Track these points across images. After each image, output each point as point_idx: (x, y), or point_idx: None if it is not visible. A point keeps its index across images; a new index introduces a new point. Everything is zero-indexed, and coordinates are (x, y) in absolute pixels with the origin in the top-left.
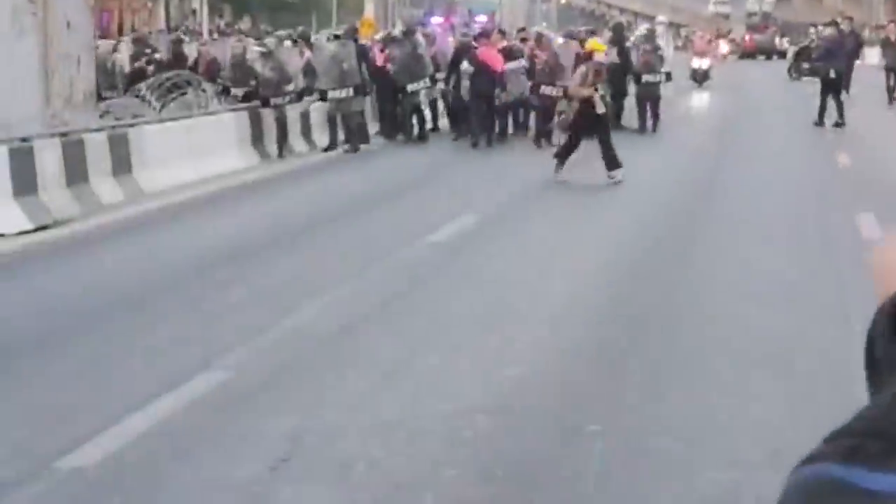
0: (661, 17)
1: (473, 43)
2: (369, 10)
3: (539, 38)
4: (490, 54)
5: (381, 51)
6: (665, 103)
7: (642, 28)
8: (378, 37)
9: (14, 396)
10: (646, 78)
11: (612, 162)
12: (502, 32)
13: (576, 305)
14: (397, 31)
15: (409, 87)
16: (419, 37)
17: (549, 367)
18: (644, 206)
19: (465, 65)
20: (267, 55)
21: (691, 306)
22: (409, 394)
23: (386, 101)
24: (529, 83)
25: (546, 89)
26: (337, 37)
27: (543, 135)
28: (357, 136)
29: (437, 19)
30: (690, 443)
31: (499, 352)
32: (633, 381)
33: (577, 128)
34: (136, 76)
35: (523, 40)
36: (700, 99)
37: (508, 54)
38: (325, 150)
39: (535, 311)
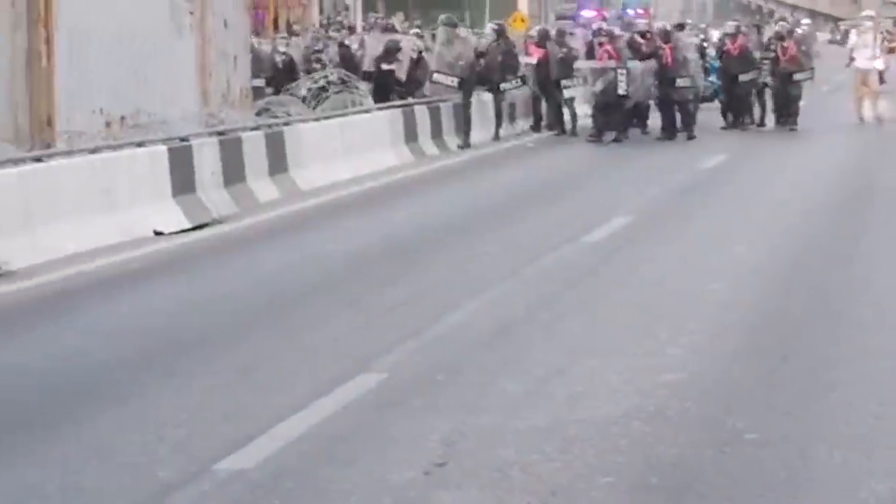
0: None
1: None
2: (522, 5)
3: (666, 33)
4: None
5: (537, 46)
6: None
7: (779, 25)
8: (532, 32)
9: (174, 396)
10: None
11: None
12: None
13: (733, 308)
14: (551, 27)
15: (563, 83)
16: (571, 35)
17: (705, 372)
18: (800, 205)
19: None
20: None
21: (851, 310)
22: (565, 399)
23: (540, 96)
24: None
25: (681, 82)
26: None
27: (683, 128)
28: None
29: (588, 13)
30: (851, 451)
31: (655, 356)
32: (792, 386)
33: None
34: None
35: (644, 36)
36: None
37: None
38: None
39: (691, 314)
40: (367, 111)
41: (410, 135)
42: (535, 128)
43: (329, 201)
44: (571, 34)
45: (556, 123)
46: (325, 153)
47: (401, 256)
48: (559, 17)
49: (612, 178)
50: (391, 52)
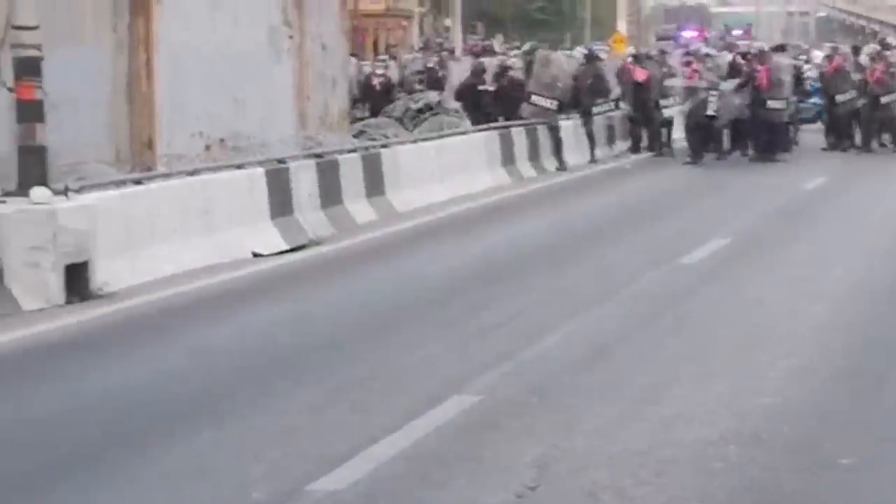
0: None
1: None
2: (622, 26)
3: (762, 54)
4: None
5: (640, 67)
6: None
7: (870, 47)
8: (630, 52)
9: (270, 416)
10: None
11: None
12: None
13: (833, 330)
14: (651, 48)
15: (662, 103)
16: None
17: (804, 396)
18: None
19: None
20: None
21: None
22: (660, 422)
23: (639, 117)
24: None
25: (773, 103)
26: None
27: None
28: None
29: (689, 34)
30: None
31: (753, 379)
32: (890, 412)
33: None
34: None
35: (745, 57)
36: None
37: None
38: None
39: (790, 336)
40: (463, 133)
41: (507, 157)
42: (634, 149)
43: (425, 223)
44: (667, 54)
45: (655, 145)
46: (421, 175)
47: (496, 278)
48: (659, 38)
49: (711, 200)
50: (478, 74)
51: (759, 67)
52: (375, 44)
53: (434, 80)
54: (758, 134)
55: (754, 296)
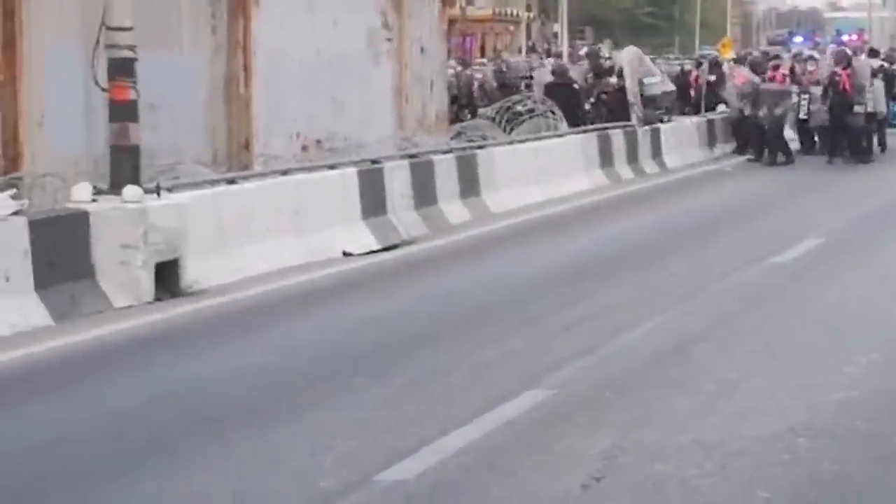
0: None
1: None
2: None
3: (846, 58)
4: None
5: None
6: None
7: None
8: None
9: (347, 409)
10: None
11: None
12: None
13: None
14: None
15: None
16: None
17: (879, 391)
18: None
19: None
20: None
21: None
22: (732, 415)
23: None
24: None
25: (858, 108)
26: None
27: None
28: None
29: (799, 39)
30: None
31: (829, 375)
32: None
33: None
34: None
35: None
36: None
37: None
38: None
39: (871, 334)
40: (560, 135)
41: (606, 159)
42: (740, 151)
43: (519, 224)
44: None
45: (757, 147)
46: (517, 176)
47: (585, 277)
48: (771, 43)
49: (808, 201)
50: (563, 74)
51: (840, 72)
52: (483, 48)
53: (500, 83)
54: (840, 138)
55: (841, 295)
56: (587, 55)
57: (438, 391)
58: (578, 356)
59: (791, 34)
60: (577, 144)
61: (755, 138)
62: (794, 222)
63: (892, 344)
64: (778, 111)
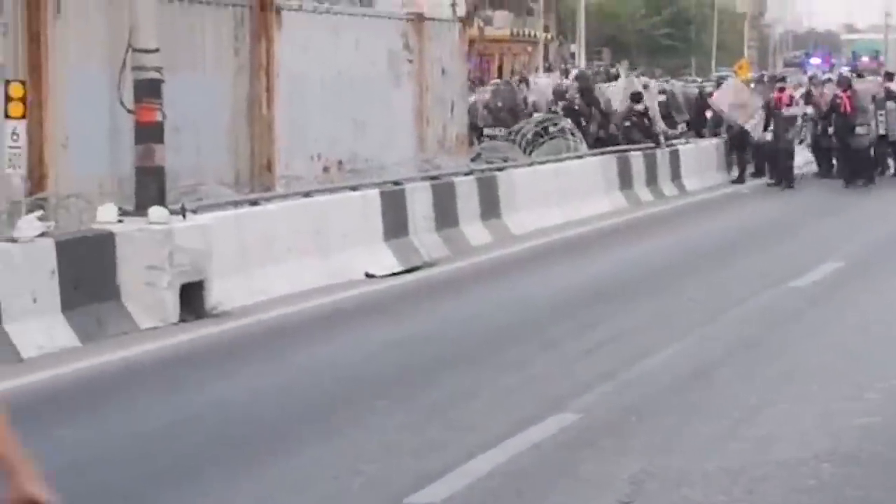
0: None
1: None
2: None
3: (846, 81)
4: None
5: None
6: None
7: None
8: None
9: (372, 432)
10: None
11: None
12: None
13: None
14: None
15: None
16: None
17: None
18: None
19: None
20: None
21: None
22: (755, 441)
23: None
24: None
25: (860, 129)
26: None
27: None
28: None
29: (815, 61)
30: None
31: (850, 401)
32: None
33: None
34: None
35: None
36: None
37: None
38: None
39: (891, 360)
40: (580, 157)
41: (625, 181)
42: (757, 174)
43: (540, 245)
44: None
45: (773, 171)
46: (537, 198)
47: (605, 300)
48: (787, 65)
49: (826, 225)
50: (560, 95)
51: (842, 94)
52: (500, 68)
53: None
54: (844, 160)
55: (860, 320)
56: (577, 77)
57: (462, 415)
58: (600, 381)
59: (807, 56)
60: (596, 166)
61: (763, 161)
62: (813, 246)
63: None
64: (789, 136)
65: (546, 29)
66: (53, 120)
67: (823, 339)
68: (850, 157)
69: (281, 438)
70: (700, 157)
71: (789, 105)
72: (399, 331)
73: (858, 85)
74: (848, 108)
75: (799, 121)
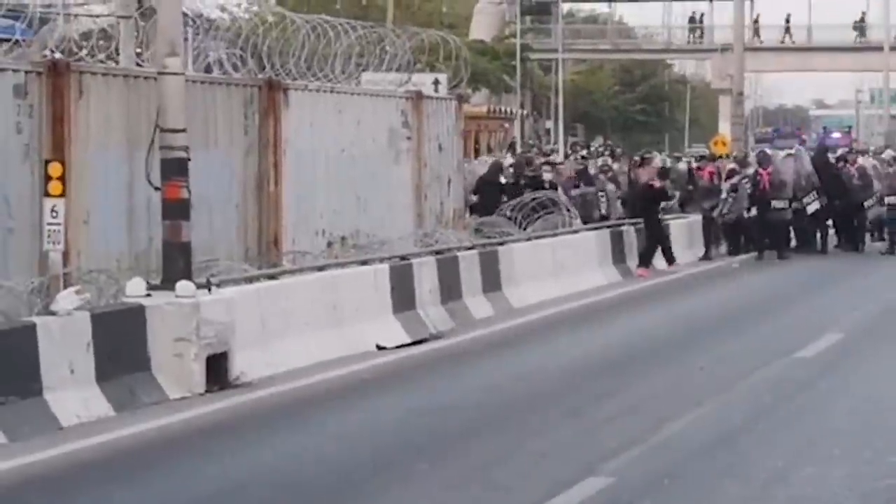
0: None
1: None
2: (724, 128)
3: (765, 157)
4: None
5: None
6: None
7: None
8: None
9: (418, 491)
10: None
11: None
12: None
13: None
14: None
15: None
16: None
17: None
18: None
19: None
20: None
21: None
22: (787, 501)
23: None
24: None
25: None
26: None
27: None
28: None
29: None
30: None
31: (872, 464)
32: None
33: None
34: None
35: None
36: None
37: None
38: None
39: None
40: (575, 231)
41: (618, 255)
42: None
43: (541, 318)
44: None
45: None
46: (536, 272)
47: (616, 371)
48: (758, 141)
49: (821, 297)
50: (496, 172)
51: (762, 171)
52: (477, 145)
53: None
54: (762, 233)
55: (869, 389)
56: (514, 164)
57: (501, 477)
58: (628, 446)
59: (776, 132)
60: (592, 240)
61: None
62: (810, 317)
63: None
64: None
65: (522, 105)
66: (76, 198)
67: (837, 406)
68: (766, 230)
69: (331, 501)
70: (691, 231)
71: (710, 181)
72: (421, 399)
73: (779, 162)
74: (766, 185)
75: (724, 195)
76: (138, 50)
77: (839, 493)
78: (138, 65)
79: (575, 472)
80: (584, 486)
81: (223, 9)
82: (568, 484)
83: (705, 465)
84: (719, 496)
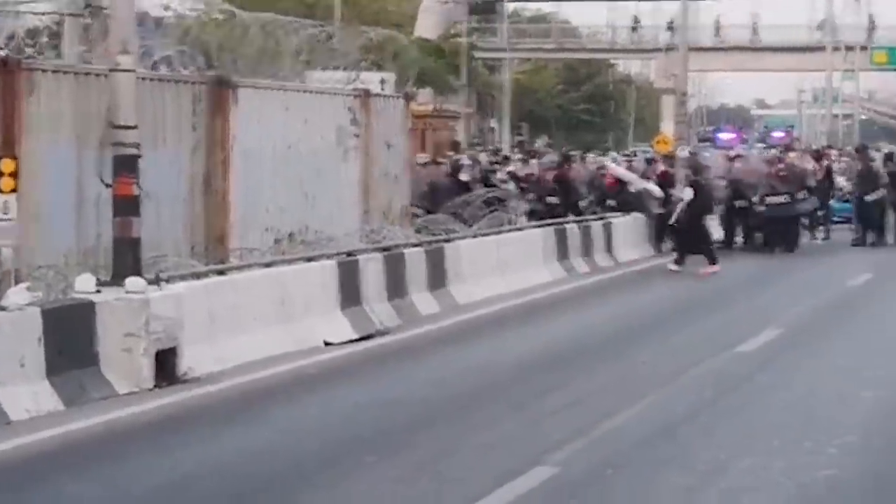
0: None
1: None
2: (667, 128)
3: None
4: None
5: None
6: None
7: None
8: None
9: (366, 484)
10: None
11: None
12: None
13: (880, 413)
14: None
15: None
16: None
17: (861, 469)
18: None
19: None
20: None
21: None
22: (728, 492)
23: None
24: None
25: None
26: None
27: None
28: None
29: (726, 136)
30: None
31: (812, 455)
32: None
33: None
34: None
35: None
36: None
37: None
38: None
39: (843, 418)
40: (520, 229)
41: (562, 252)
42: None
43: (487, 314)
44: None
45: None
46: (481, 269)
47: (561, 365)
48: (701, 140)
49: (761, 294)
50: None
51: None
52: (423, 143)
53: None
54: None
55: (808, 382)
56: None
57: (449, 469)
58: (572, 438)
59: (717, 131)
60: (536, 238)
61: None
62: (751, 313)
63: (862, 426)
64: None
65: (468, 104)
66: (26, 194)
67: (777, 399)
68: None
69: (278, 494)
70: (633, 229)
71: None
72: (369, 394)
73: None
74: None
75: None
76: (84, 48)
77: (779, 483)
78: (86, 62)
79: (521, 464)
80: (529, 477)
81: (166, 7)
82: (515, 474)
83: (648, 455)
84: (661, 486)
